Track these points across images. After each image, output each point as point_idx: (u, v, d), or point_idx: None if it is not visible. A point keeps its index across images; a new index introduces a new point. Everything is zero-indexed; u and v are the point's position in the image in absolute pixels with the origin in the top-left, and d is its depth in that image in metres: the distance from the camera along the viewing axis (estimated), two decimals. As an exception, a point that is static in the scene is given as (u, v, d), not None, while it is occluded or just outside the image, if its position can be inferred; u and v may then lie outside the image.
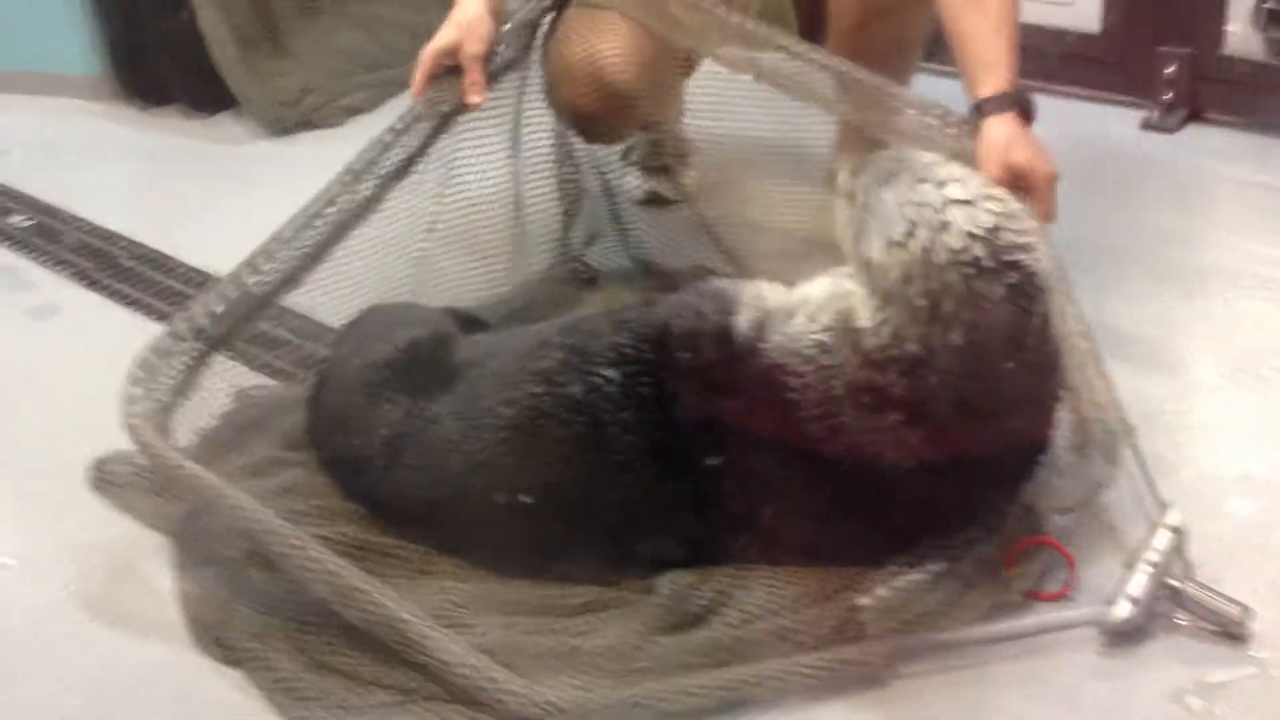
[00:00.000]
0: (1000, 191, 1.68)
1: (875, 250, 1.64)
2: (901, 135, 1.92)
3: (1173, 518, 1.66)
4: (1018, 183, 1.77)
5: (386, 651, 1.61)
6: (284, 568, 1.64)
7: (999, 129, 1.81)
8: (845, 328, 1.64)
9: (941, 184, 1.64)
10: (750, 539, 1.70)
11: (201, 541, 1.80)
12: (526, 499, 1.72)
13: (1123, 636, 1.63)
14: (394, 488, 1.80)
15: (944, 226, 1.60)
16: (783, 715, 1.58)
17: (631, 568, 1.73)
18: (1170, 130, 2.86)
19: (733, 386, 1.68)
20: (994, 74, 1.84)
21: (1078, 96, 2.93)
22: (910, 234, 1.61)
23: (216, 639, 1.71)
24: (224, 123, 3.30)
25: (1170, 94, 2.86)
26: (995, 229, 1.60)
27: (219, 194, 2.95)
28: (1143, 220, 2.53)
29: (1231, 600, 1.62)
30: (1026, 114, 1.84)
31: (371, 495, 1.82)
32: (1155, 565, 1.61)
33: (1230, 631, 1.61)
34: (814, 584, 1.67)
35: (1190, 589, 1.62)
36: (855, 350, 1.62)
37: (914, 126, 1.92)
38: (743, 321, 1.70)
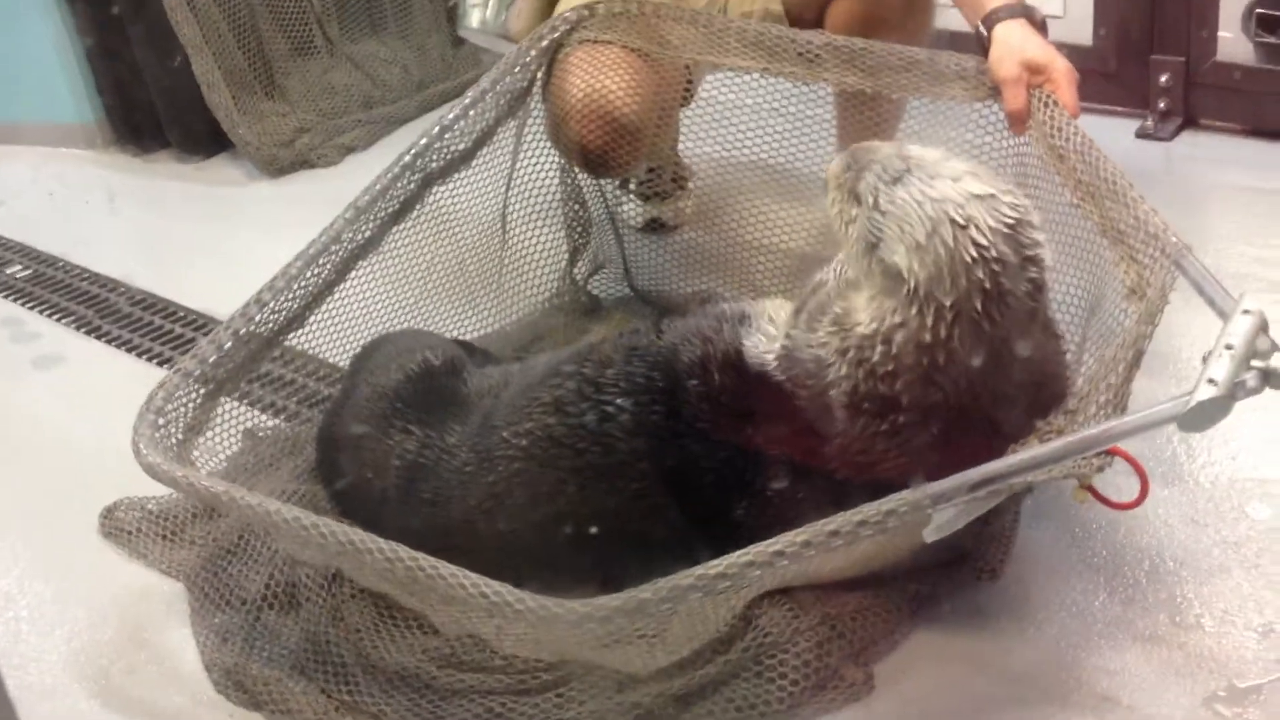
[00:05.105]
0: (1011, 184, 1.62)
1: (899, 255, 1.54)
2: (918, 89, 1.98)
3: (1248, 302, 1.50)
4: (1036, 78, 1.82)
5: (413, 689, 1.60)
6: (345, 568, 1.60)
7: (1012, 31, 1.87)
8: (846, 337, 1.59)
9: (957, 179, 1.57)
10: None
11: (215, 586, 1.79)
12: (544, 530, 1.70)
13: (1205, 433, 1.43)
14: (409, 519, 1.78)
15: (968, 223, 1.53)
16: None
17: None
18: (1166, 138, 2.86)
19: (744, 410, 1.66)
20: None
21: (1072, 108, 2.93)
22: (933, 234, 1.53)
23: (236, 682, 1.69)
24: (219, 165, 3.30)
25: (1164, 102, 2.87)
26: (1017, 223, 1.54)
27: (217, 236, 2.94)
28: (1144, 228, 2.52)
29: None
30: (1036, 25, 1.89)
31: (385, 526, 1.79)
32: (1234, 348, 1.44)
33: None
34: (833, 605, 1.66)
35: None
36: (860, 362, 1.57)
37: (930, 77, 1.96)
38: (750, 344, 1.69)
